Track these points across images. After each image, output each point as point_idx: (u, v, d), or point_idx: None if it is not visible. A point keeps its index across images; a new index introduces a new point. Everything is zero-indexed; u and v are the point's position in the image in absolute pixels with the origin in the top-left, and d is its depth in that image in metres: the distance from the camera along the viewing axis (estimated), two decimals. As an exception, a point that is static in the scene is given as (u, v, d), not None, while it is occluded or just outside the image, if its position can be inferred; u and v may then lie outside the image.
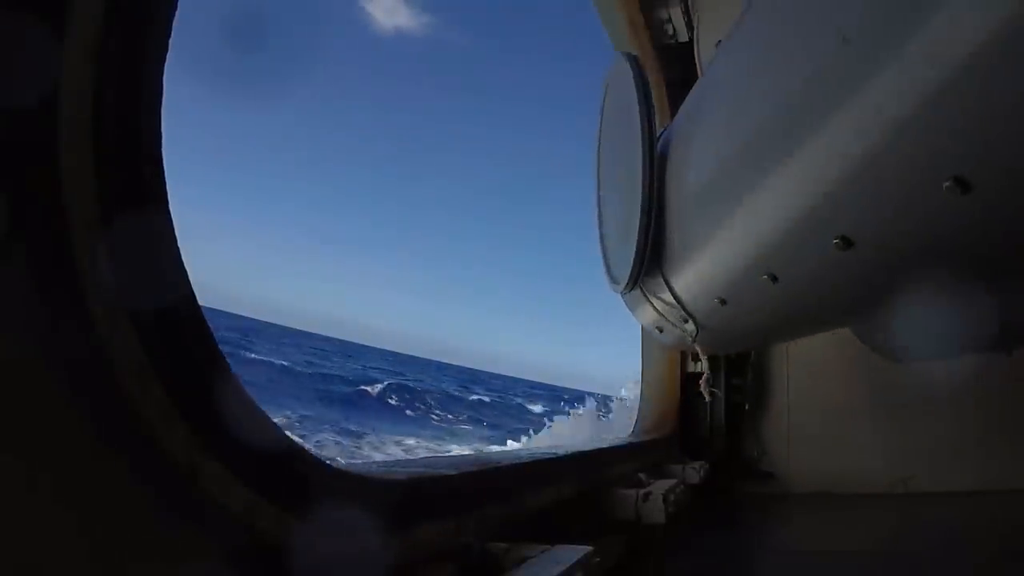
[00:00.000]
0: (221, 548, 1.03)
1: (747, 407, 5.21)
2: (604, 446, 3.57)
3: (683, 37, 5.01)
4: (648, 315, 3.94)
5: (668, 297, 3.43)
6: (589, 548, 1.74)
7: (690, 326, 3.45)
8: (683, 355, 5.22)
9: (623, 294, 4.00)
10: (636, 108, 3.33)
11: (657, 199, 3.19)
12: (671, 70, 5.30)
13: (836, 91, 1.67)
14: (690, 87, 5.26)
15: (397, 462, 1.96)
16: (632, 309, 4.20)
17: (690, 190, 2.93)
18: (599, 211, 4.43)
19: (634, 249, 3.30)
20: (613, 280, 4.05)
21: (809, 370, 5.28)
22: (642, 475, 3.38)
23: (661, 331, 3.98)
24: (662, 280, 3.39)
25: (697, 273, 3.08)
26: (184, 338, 1.00)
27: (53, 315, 0.83)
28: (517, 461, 2.30)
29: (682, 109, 3.32)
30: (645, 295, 3.72)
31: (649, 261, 3.34)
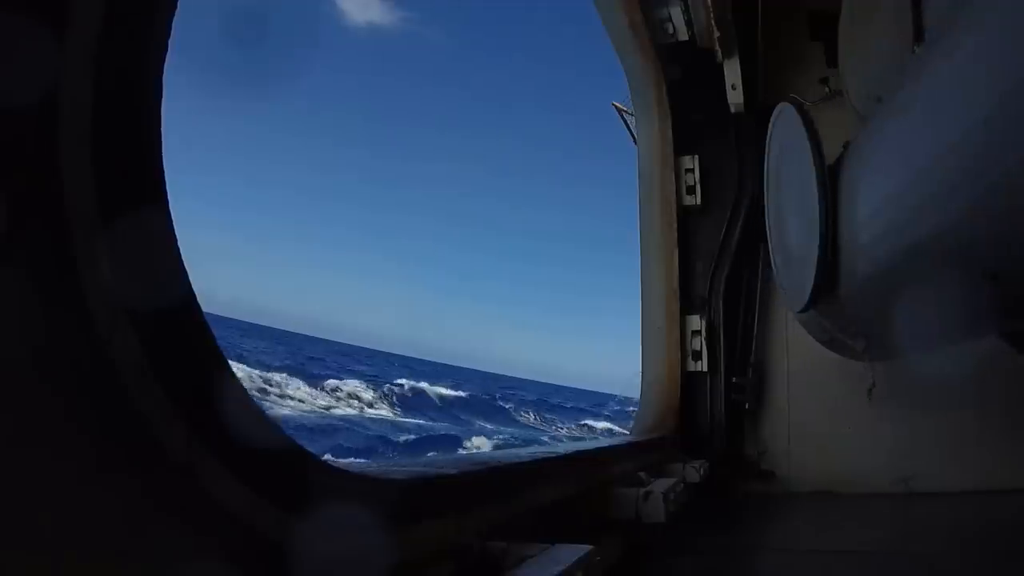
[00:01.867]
0: (221, 548, 1.03)
1: (747, 406, 5.21)
2: (604, 445, 3.57)
3: (683, 36, 4.99)
4: (821, 331, 4.37)
5: (841, 317, 3.88)
6: (589, 547, 1.74)
7: (860, 342, 3.93)
8: (683, 354, 5.22)
9: (798, 314, 4.35)
10: (808, 153, 3.70)
11: (832, 232, 3.61)
12: (671, 69, 5.30)
13: (983, 159, 2.14)
14: (690, 86, 5.29)
15: (398, 461, 1.96)
16: (805, 325, 4.55)
17: (863, 225, 3.40)
18: (770, 235, 4.71)
19: (812, 277, 3.68)
20: (789, 301, 4.42)
21: (809, 369, 5.28)
22: (642, 474, 3.38)
23: (831, 343, 4.42)
24: (836, 301, 3.77)
25: (870, 297, 3.52)
26: (184, 338, 1.00)
27: (53, 315, 0.83)
28: (517, 460, 2.30)
29: (850, 152, 3.70)
30: (818, 314, 4.10)
31: (825, 286, 3.75)
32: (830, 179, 3.61)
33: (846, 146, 3.77)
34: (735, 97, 4.94)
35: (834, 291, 3.72)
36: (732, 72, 4.89)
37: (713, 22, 4.61)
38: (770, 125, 4.50)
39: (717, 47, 4.81)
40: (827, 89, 5.19)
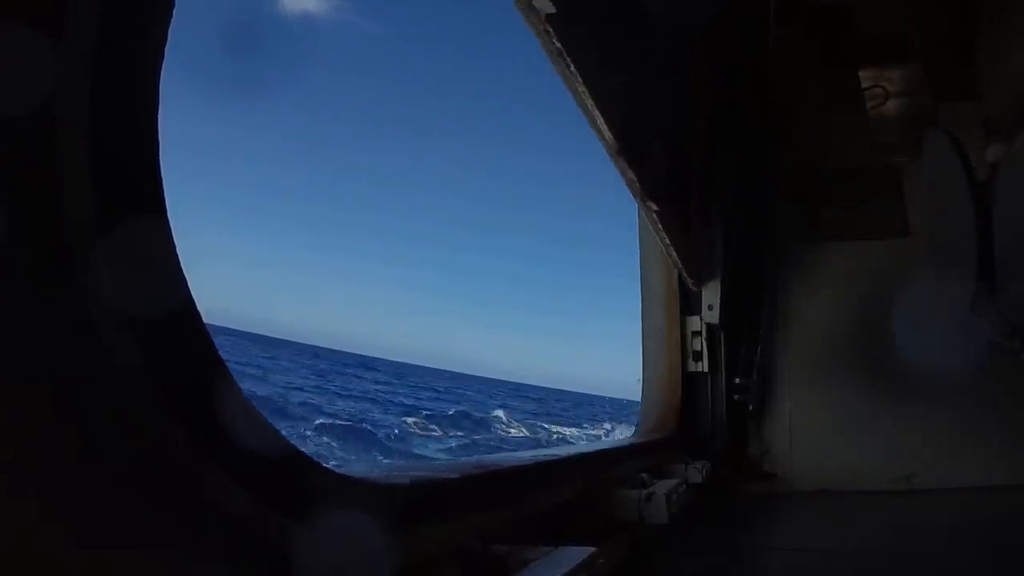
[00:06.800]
0: (223, 555, 1.03)
1: (751, 407, 5.20)
2: (606, 447, 3.57)
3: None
4: (979, 335, 4.52)
5: (997, 318, 4.12)
6: (592, 549, 1.74)
7: (1017, 344, 4.19)
8: (684, 355, 5.22)
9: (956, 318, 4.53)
10: (962, 177, 4.00)
11: (989, 242, 3.86)
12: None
13: None
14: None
15: (399, 466, 1.96)
16: (963, 330, 4.66)
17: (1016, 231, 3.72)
18: (930, 241, 4.83)
19: (972, 283, 3.92)
20: (949, 306, 4.57)
21: (811, 369, 5.28)
22: (644, 475, 3.38)
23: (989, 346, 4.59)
24: (993, 305, 3.99)
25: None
26: (184, 344, 0.99)
27: (52, 322, 0.82)
28: (519, 463, 2.30)
29: (1006, 166, 4.02)
30: (978, 318, 4.25)
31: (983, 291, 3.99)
32: (983, 193, 3.85)
33: (994, 166, 4.08)
34: (710, 317, 5.18)
35: (992, 297, 3.95)
36: (710, 295, 5.18)
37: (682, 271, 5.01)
38: (923, 150, 4.77)
39: (691, 286, 5.22)
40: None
